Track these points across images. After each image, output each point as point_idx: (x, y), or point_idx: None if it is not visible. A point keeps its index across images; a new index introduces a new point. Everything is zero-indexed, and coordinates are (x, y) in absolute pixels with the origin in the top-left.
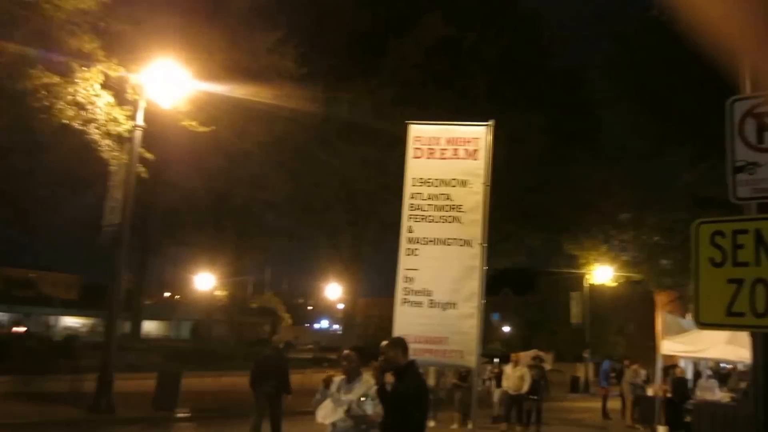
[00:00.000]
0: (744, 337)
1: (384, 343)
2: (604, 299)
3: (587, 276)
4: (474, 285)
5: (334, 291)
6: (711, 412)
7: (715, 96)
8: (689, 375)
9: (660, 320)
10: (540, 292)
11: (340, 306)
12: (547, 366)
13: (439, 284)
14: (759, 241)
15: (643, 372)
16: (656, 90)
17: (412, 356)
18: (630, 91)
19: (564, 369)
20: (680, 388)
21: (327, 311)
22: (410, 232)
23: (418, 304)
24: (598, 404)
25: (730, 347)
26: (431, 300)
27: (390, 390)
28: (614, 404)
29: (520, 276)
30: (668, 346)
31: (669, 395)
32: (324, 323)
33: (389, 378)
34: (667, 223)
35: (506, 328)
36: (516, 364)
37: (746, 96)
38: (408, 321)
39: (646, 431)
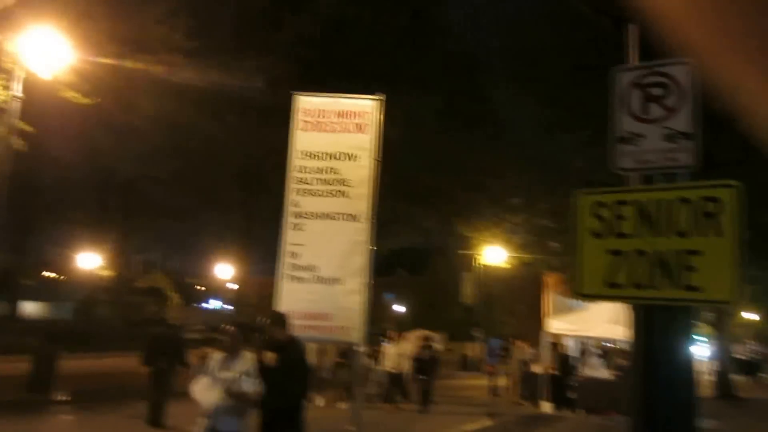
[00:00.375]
0: (625, 315)
1: (263, 319)
2: (497, 280)
3: (478, 257)
4: (361, 260)
5: (225, 271)
6: (594, 388)
7: (604, 82)
8: (576, 353)
9: (547, 300)
10: (434, 272)
11: (233, 286)
12: (440, 347)
13: (325, 259)
14: (640, 212)
15: (529, 350)
16: (546, 76)
17: (297, 333)
18: (520, 76)
19: (456, 348)
20: (562, 364)
21: (219, 291)
22: (296, 206)
23: (304, 279)
24: (486, 382)
25: (612, 325)
26: (317, 276)
27: (270, 366)
28: (502, 381)
29: (414, 256)
30: (554, 325)
31: (555, 373)
32: (216, 303)
33: (269, 355)
34: (556, 207)
35: (400, 308)
36: (394, 342)
37: (632, 66)
38: (293, 297)
39: (531, 407)
